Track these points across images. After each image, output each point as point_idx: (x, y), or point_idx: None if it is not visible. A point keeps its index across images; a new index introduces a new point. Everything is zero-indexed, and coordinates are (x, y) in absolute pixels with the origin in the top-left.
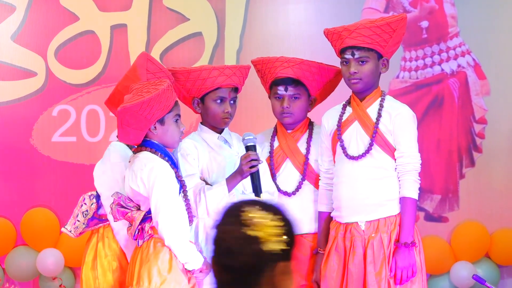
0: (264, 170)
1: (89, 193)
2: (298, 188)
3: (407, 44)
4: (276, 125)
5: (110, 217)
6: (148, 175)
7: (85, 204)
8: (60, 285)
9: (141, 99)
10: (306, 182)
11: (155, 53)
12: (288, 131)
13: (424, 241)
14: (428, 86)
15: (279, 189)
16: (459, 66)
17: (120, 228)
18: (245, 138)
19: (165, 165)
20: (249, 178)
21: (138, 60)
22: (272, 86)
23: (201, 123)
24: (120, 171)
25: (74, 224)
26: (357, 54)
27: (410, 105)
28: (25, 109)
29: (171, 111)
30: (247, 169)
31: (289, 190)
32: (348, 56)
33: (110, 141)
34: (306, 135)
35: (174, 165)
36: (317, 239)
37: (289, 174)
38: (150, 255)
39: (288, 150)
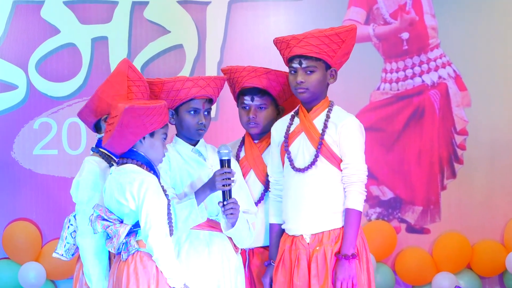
0: (242, 187)
1: (73, 213)
2: (260, 199)
3: (387, 56)
4: (244, 136)
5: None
6: (138, 189)
7: (71, 225)
8: None
9: (146, 104)
10: (268, 194)
11: (136, 66)
12: (255, 141)
13: (406, 253)
14: (409, 97)
15: None
16: (439, 77)
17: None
18: (220, 151)
19: (154, 179)
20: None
21: (120, 66)
22: (239, 95)
23: (176, 135)
24: (90, 187)
25: (65, 246)
26: (305, 64)
27: (391, 116)
28: (6, 122)
29: (163, 127)
30: (220, 186)
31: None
32: (295, 65)
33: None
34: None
35: (158, 179)
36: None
37: (253, 184)
38: (138, 270)
39: (252, 161)
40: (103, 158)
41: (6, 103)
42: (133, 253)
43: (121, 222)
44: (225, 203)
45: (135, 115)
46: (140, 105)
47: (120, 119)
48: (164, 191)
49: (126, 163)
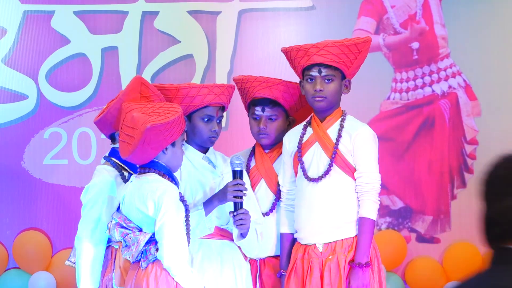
0: (250, 197)
1: None
2: (272, 209)
3: (398, 66)
4: (254, 145)
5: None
6: (159, 198)
7: None
8: None
9: (167, 119)
10: (279, 203)
11: (146, 75)
12: (266, 151)
13: (416, 262)
14: (419, 107)
15: None
16: (450, 87)
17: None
18: (233, 162)
19: (176, 190)
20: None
21: (132, 84)
22: (250, 106)
23: (186, 141)
24: (96, 193)
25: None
26: (324, 72)
27: (401, 126)
28: (16, 132)
29: (182, 135)
30: (231, 198)
31: (264, 211)
32: (314, 73)
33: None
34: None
35: (178, 187)
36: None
37: (264, 194)
38: (159, 279)
39: (263, 171)
40: (114, 167)
41: (17, 113)
42: (153, 262)
43: (140, 230)
44: (235, 213)
45: (157, 131)
46: (160, 121)
47: (142, 138)
48: (184, 201)
49: (148, 172)
